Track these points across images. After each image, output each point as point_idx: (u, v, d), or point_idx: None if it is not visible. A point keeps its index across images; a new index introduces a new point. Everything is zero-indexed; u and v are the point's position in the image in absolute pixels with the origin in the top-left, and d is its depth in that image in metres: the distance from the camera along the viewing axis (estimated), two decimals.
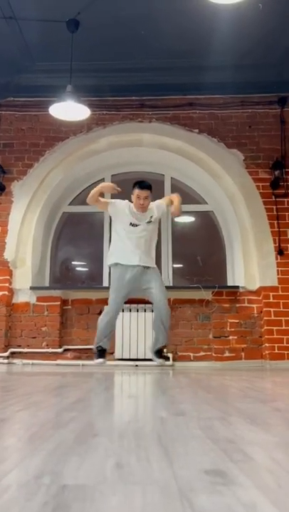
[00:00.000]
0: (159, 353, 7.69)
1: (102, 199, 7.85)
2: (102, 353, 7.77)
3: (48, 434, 1.80)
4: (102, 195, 7.94)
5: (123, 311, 9.52)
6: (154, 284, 7.70)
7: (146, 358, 9.60)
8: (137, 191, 7.69)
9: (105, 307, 7.89)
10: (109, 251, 8.03)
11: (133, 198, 7.75)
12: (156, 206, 7.91)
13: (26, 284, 10.09)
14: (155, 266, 7.91)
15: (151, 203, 7.83)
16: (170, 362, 7.95)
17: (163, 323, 7.65)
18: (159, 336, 7.73)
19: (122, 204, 7.80)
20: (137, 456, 1.41)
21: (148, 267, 7.69)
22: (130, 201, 7.79)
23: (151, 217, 7.75)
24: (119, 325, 9.60)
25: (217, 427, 1.96)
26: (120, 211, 7.74)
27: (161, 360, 7.67)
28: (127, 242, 7.69)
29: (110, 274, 8.04)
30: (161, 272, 10.38)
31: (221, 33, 8.98)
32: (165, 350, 7.98)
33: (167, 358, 7.95)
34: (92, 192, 7.68)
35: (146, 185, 7.78)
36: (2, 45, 9.46)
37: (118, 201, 7.85)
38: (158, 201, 8.08)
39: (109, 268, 8.05)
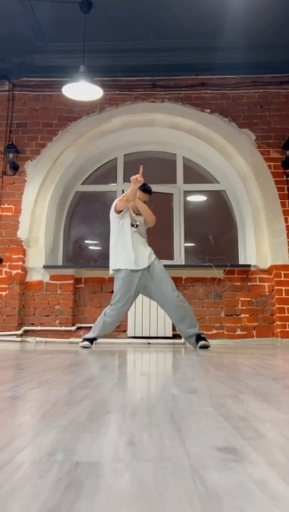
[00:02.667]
0: (198, 338, 7.53)
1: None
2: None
3: (61, 411, 1.80)
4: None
5: None
6: (161, 285, 7.60)
7: (159, 336, 9.64)
8: (139, 193, 7.65)
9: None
10: (114, 256, 7.84)
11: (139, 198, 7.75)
12: None
13: (40, 263, 10.12)
14: (154, 257, 7.66)
15: None
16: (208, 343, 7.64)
17: (184, 312, 7.56)
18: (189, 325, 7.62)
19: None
20: (150, 434, 1.41)
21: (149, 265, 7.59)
22: None
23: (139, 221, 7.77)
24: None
25: (229, 405, 1.96)
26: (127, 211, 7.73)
27: (202, 343, 7.39)
28: (129, 242, 7.66)
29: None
30: (173, 251, 10.42)
31: (233, 14, 8.95)
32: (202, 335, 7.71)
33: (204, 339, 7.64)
34: (130, 195, 7.52)
35: (150, 190, 7.81)
36: (15, 25, 9.44)
37: None
38: None
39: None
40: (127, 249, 7.62)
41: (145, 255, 7.57)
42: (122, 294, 7.55)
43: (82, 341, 7.74)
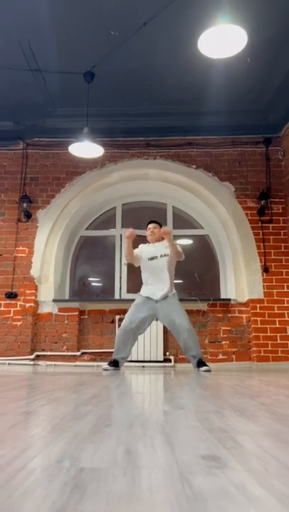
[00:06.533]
0: (200, 364, 7.45)
1: (135, 253, 7.80)
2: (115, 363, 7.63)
3: (67, 425, 1.80)
4: (133, 246, 7.81)
5: None
6: (175, 315, 7.52)
7: (152, 360, 9.61)
8: (148, 226, 7.89)
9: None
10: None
11: (147, 234, 7.88)
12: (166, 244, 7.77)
13: (49, 297, 10.11)
14: (174, 292, 7.57)
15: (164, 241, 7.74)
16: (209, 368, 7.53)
17: (189, 343, 7.49)
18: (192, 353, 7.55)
19: (142, 245, 7.83)
20: (144, 444, 1.41)
21: (166, 297, 7.53)
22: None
23: (166, 247, 7.67)
24: None
25: (212, 419, 1.95)
26: (144, 250, 7.70)
27: (204, 368, 7.31)
28: (149, 276, 7.68)
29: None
30: None
31: (215, 83, 9.04)
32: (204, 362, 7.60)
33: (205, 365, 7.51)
34: (127, 251, 7.62)
35: (154, 220, 8.02)
36: (29, 93, 9.54)
37: (141, 245, 7.86)
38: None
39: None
40: (145, 281, 7.69)
41: (160, 289, 7.53)
42: (128, 314, 7.53)
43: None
